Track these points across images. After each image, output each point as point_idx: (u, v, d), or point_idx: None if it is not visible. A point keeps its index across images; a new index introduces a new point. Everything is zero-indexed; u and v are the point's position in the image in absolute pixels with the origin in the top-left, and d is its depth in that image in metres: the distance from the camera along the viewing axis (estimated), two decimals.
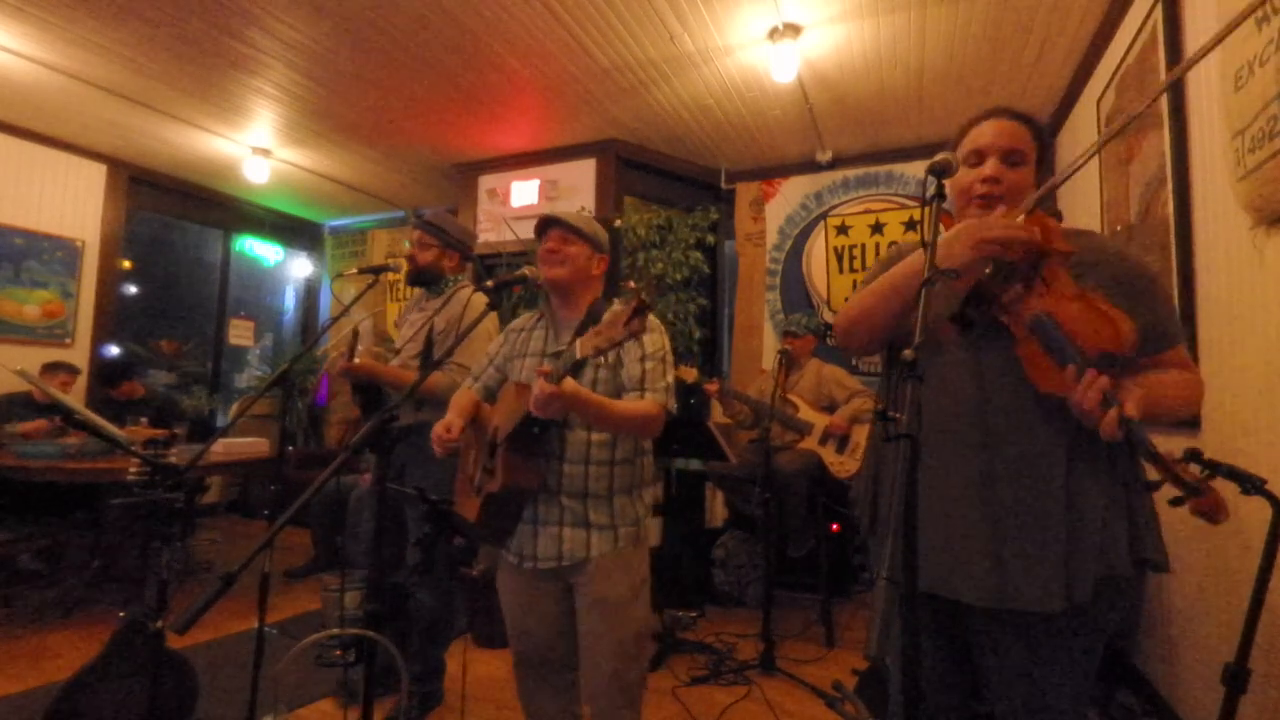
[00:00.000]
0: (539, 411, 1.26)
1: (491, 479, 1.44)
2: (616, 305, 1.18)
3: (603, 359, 1.36)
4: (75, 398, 4.14)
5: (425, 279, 2.27)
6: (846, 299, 1.36)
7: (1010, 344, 1.01)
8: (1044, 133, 1.14)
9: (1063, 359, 0.88)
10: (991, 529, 0.98)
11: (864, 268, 3.97)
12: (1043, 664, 1.00)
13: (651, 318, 1.48)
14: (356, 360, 2.07)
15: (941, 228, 1.11)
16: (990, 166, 1.08)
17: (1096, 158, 2.92)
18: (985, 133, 1.11)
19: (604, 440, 1.44)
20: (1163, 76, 2.19)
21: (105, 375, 3.93)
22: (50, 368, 3.63)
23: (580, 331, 1.46)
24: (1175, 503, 0.89)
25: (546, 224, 1.57)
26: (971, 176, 1.10)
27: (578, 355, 1.19)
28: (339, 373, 2.08)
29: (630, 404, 1.41)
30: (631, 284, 1.41)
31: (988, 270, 1.00)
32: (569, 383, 1.25)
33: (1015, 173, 1.09)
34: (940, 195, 1.01)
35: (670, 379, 1.47)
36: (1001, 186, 1.08)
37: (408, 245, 2.30)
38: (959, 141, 1.16)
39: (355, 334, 2.15)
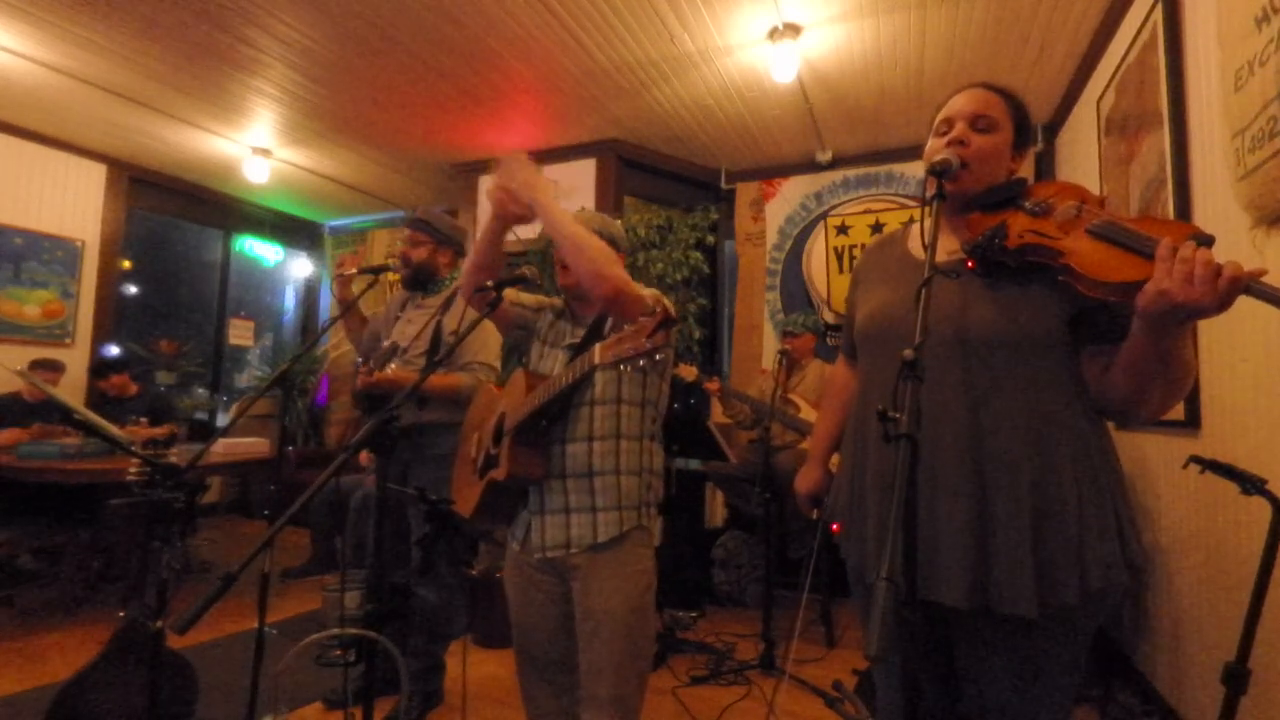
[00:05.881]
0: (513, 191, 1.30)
1: (497, 467, 1.44)
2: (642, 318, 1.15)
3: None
4: (73, 397, 4.14)
5: (422, 279, 2.27)
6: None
7: (1003, 341, 1.01)
8: (1023, 106, 1.13)
9: (1145, 245, 0.88)
10: (974, 531, 0.97)
11: None
12: (1026, 671, 0.99)
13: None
14: (390, 370, 2.05)
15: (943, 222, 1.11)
16: (957, 130, 1.09)
17: (1096, 157, 2.91)
18: (955, 102, 1.13)
19: (609, 413, 1.41)
20: (1163, 76, 2.18)
21: (96, 367, 3.90)
22: (34, 365, 3.61)
23: (596, 327, 1.45)
24: None
25: None
26: (940, 143, 1.11)
27: (596, 361, 1.14)
28: (365, 385, 2.05)
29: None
30: (656, 295, 1.37)
31: (1026, 205, 1.02)
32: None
33: (983, 137, 1.08)
34: (941, 195, 1.00)
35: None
36: (968, 149, 1.07)
37: (400, 245, 2.29)
38: (934, 119, 1.16)
39: (394, 348, 2.15)
